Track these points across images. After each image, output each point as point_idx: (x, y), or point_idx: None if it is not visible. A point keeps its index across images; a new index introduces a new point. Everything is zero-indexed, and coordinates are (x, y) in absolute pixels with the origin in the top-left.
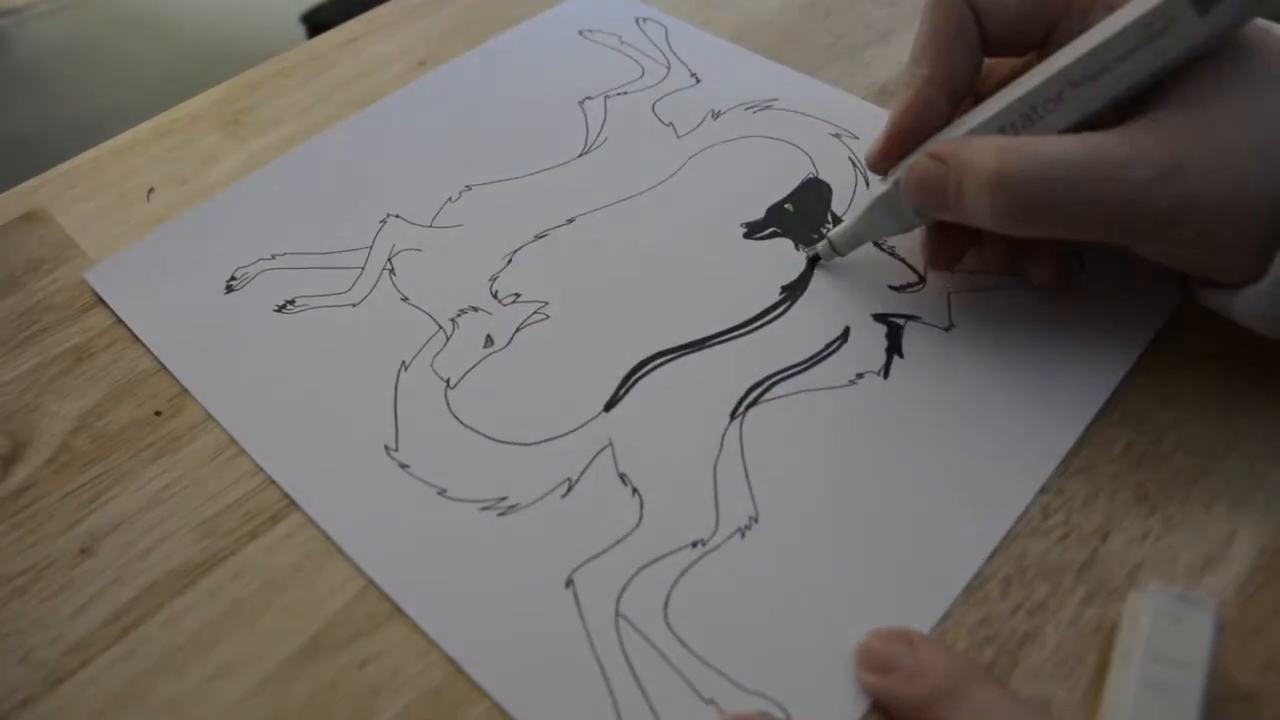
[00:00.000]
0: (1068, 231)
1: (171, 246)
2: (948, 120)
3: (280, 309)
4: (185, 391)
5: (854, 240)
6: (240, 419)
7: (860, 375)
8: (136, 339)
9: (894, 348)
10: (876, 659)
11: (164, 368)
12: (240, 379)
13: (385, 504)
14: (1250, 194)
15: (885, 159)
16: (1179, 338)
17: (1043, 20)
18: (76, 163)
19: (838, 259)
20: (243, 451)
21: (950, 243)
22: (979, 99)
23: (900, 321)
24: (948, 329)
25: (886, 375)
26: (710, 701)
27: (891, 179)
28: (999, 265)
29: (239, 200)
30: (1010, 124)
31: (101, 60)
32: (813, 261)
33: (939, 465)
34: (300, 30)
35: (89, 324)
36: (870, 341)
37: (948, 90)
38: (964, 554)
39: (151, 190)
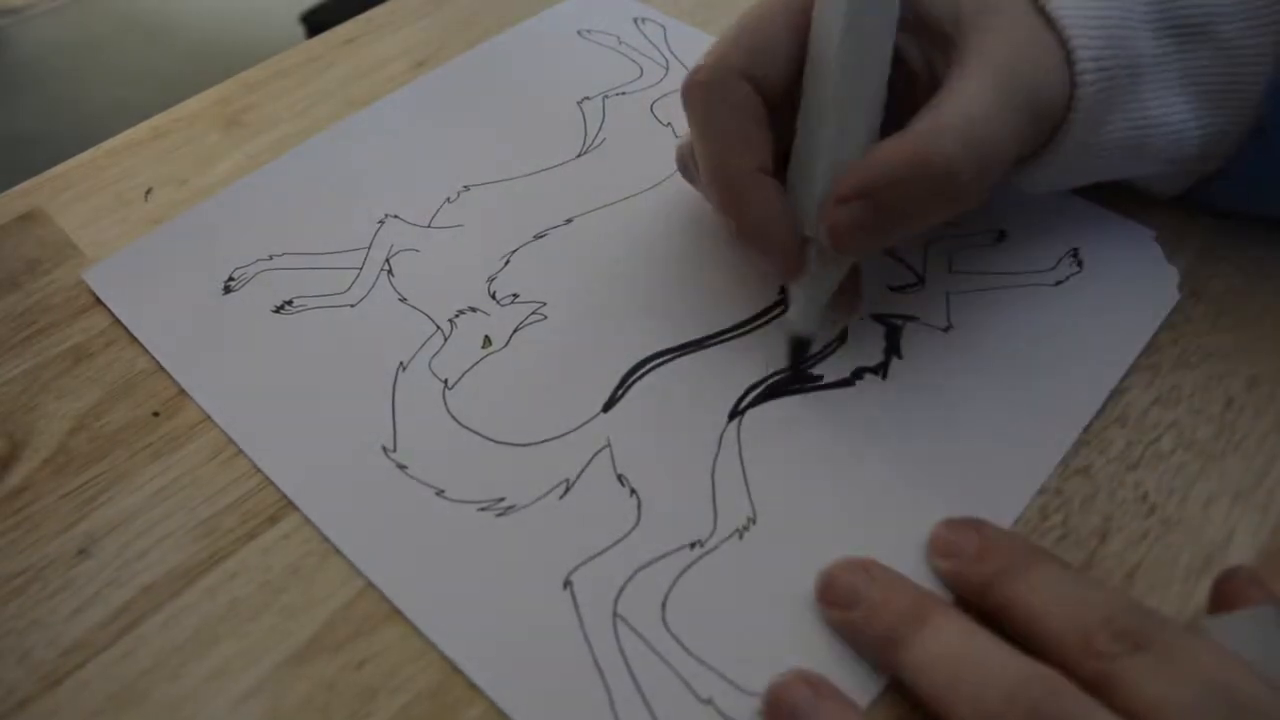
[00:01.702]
0: (992, 179)
1: (169, 247)
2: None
3: (278, 309)
4: (183, 392)
5: (817, 304)
6: (238, 420)
7: (859, 376)
8: (134, 339)
9: (892, 348)
10: (944, 546)
11: (162, 368)
12: (238, 380)
13: (383, 505)
14: (1047, 63)
15: (801, 266)
16: (1177, 338)
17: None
18: (75, 163)
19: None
20: (240, 452)
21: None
22: None
23: (899, 322)
24: (946, 329)
25: (885, 376)
26: (708, 702)
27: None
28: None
29: (237, 200)
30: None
31: (101, 60)
32: (802, 344)
33: (937, 466)
34: (299, 30)
35: (87, 324)
36: (869, 342)
37: (773, 170)
38: None
39: (150, 190)
